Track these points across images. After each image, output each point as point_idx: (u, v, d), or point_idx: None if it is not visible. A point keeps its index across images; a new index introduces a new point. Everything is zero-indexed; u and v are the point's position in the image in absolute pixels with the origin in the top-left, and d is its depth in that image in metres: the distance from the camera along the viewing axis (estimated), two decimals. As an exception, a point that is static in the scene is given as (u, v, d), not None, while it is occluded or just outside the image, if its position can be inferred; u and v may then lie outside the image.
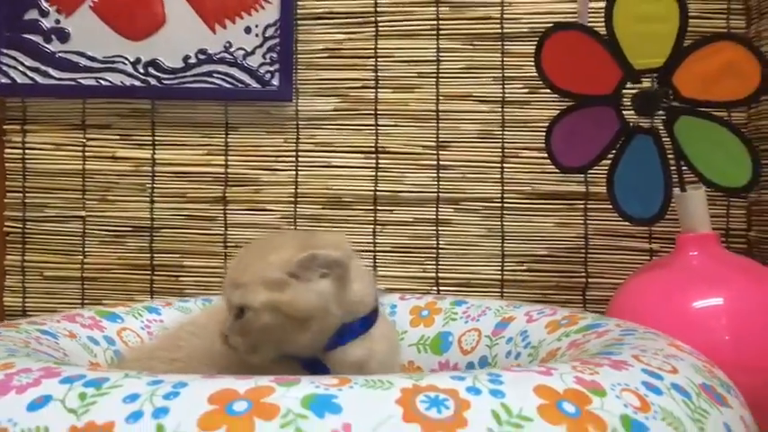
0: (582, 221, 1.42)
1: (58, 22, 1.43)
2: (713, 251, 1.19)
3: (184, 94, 1.43)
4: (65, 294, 1.47)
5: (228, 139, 1.46)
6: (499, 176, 1.43)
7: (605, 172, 1.36)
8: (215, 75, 1.42)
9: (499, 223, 1.43)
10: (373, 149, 1.45)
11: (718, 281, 1.14)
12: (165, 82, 1.42)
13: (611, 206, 1.39)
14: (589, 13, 1.29)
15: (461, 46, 1.44)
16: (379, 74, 1.45)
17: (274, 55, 1.41)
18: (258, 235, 1.45)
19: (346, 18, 1.45)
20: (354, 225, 1.45)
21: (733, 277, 1.14)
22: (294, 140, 1.46)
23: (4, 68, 1.43)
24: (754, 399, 0.78)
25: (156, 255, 1.46)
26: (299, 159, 1.45)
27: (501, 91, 1.43)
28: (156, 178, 1.47)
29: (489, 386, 0.58)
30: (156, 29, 1.42)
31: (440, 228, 1.44)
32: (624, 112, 1.19)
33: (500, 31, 1.43)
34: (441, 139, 1.44)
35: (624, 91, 1.19)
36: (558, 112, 1.26)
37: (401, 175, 1.45)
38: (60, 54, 1.43)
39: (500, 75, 1.43)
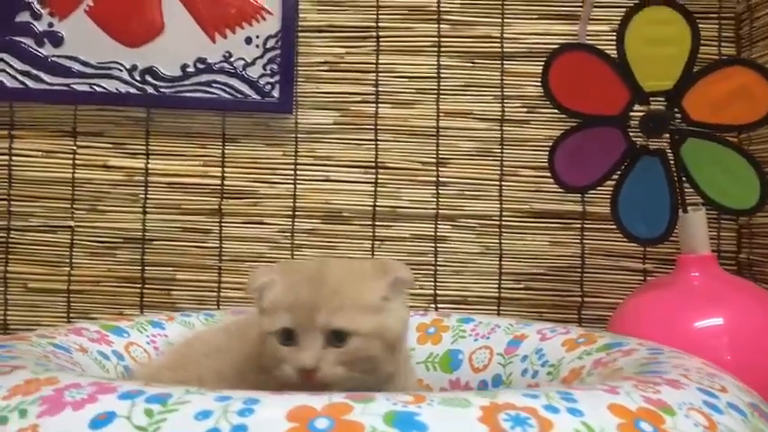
0: (578, 241, 1.44)
1: (51, 25, 1.38)
2: (713, 272, 1.21)
3: (181, 103, 1.40)
4: (49, 308, 1.41)
5: (225, 151, 1.43)
6: (497, 194, 1.44)
7: (602, 192, 1.39)
8: (214, 84, 1.39)
9: (497, 241, 1.43)
10: (373, 164, 1.44)
11: (720, 301, 1.16)
12: (162, 90, 1.39)
13: (607, 226, 1.43)
14: (596, 36, 1.31)
15: (462, 63, 1.44)
16: (379, 89, 1.44)
17: (275, 66, 1.39)
18: (254, 249, 1.42)
19: (347, 32, 1.44)
20: (353, 240, 1.43)
21: (734, 298, 1.17)
22: (293, 153, 1.43)
23: (-7, 72, 1.38)
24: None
25: (147, 267, 1.42)
26: (298, 173, 1.43)
27: (500, 109, 1.44)
28: (149, 189, 1.42)
29: (565, 404, 0.57)
30: (153, 36, 1.38)
31: (438, 244, 1.43)
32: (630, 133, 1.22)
33: (500, 49, 1.44)
34: (440, 156, 1.44)
35: (631, 113, 1.21)
36: (562, 131, 1.27)
37: (400, 191, 1.44)
38: (53, 58, 1.38)
39: (499, 93, 1.44)
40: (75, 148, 1.42)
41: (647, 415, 0.59)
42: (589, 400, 0.59)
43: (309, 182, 1.43)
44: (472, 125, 1.44)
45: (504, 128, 1.44)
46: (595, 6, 1.39)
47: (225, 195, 1.43)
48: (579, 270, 1.43)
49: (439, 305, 1.42)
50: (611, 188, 1.24)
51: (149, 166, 1.42)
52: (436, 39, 1.44)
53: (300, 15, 1.43)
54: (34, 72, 1.37)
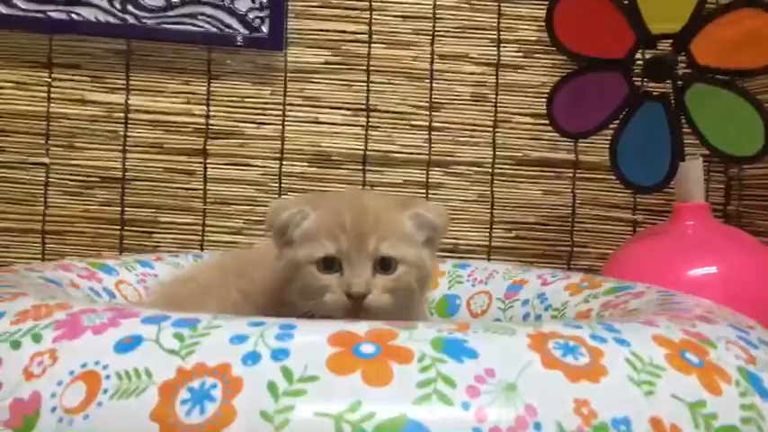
0: (570, 191, 1.42)
1: (25, -54, 1.29)
2: (708, 221, 1.21)
3: (164, 36, 1.32)
4: (22, 248, 1.34)
5: (211, 88, 1.37)
6: (491, 141, 1.41)
7: (596, 141, 1.37)
8: (199, 17, 1.32)
9: (489, 189, 1.41)
10: (364, 107, 1.39)
11: (714, 250, 1.16)
12: (144, 21, 1.31)
13: (598, 176, 1.41)
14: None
15: (458, 4, 1.40)
16: (373, 28, 1.39)
17: (264, 0, 1.33)
18: (240, 191, 1.37)
19: (341, -33, 1.39)
20: (342, 185, 1.39)
21: (728, 247, 1.17)
22: (281, 93, 1.38)
23: (-42, -5, 1.28)
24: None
25: (127, 209, 1.35)
26: (287, 113, 1.38)
27: (496, 53, 1.40)
28: (129, 126, 1.35)
29: (610, 334, 0.55)
30: (135, -38, 1.30)
31: (430, 191, 1.40)
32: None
33: (497, -9, 1.40)
34: (434, 100, 1.40)
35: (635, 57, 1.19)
36: (560, 76, 1.25)
37: (392, 135, 1.40)
38: (27, -18, 1.29)
39: (496, 36, 1.40)
40: (49, 80, 1.34)
41: (690, 346, 0.57)
42: (632, 332, 0.57)
43: (298, 123, 1.38)
44: (467, 69, 1.40)
45: (499, 72, 1.40)
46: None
47: (210, 135, 1.37)
48: (570, 220, 1.42)
49: (429, 253, 1.39)
50: (608, 136, 1.23)
51: (129, 101, 1.35)
52: (432, -22, 1.40)
53: (292, -53, 1.36)
54: (7, -4, 1.28)
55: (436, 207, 0.76)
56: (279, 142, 1.38)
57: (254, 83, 1.37)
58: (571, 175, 1.42)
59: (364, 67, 1.39)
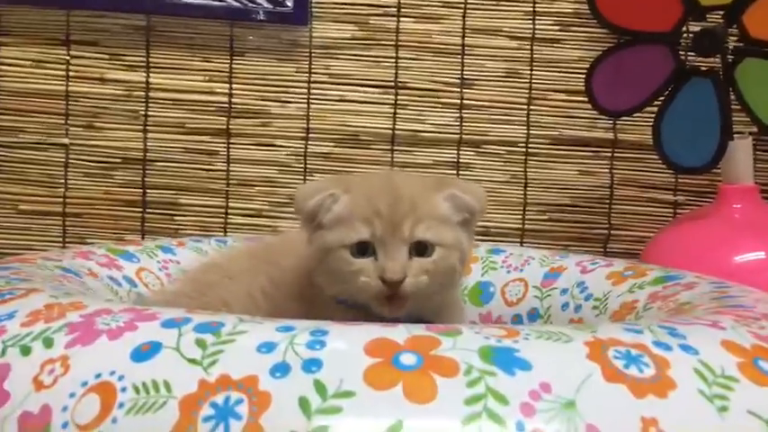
0: (608, 171, 1.36)
1: None
2: (756, 204, 1.15)
3: (185, 11, 1.27)
4: (43, 231, 1.31)
5: (233, 65, 1.31)
6: (525, 119, 1.35)
7: (636, 119, 1.30)
8: (221, -9, 1.27)
9: (522, 169, 1.35)
10: (392, 84, 1.33)
11: (763, 235, 1.11)
12: (164, -4, 1.26)
13: (638, 155, 1.35)
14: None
15: (491, -25, 1.33)
16: (401, 1, 1.32)
17: (289, -28, 1.27)
18: (264, 172, 1.32)
19: (369, -63, 1.32)
20: (370, 165, 1.33)
21: (778, 231, 1.11)
22: (307, 70, 1.32)
23: (-26, -30, 1.24)
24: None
25: (148, 190, 1.31)
26: (312, 91, 1.32)
27: (531, 27, 1.33)
28: (150, 105, 1.31)
29: (675, 340, 0.50)
30: (155, -65, 1.25)
31: (460, 172, 1.35)
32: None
33: (533, -39, 1.33)
34: (465, 77, 1.34)
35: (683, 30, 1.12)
36: (600, 51, 1.19)
37: (421, 114, 1.34)
38: (43, -44, 1.24)
39: (531, 9, 1.33)
40: (68, 58, 1.29)
41: (763, 353, 0.52)
42: (699, 337, 0.52)
43: (324, 101, 1.33)
44: (500, 43, 1.34)
45: (534, 47, 1.34)
46: None
47: (233, 114, 1.32)
48: (607, 201, 1.36)
49: (459, 236, 1.34)
50: (648, 115, 1.17)
51: (150, 80, 1.30)
52: (464, -52, 1.33)
53: None
54: (22, -29, 1.24)
55: (473, 187, 0.72)
56: (304, 121, 1.33)
57: (278, 59, 1.32)
58: (609, 154, 1.35)
59: (392, 43, 1.33)
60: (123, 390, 0.43)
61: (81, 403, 0.43)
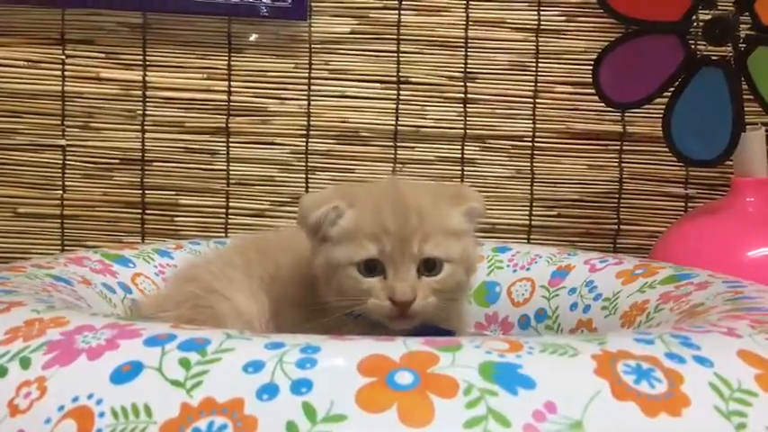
0: (617, 164, 1.32)
1: None
2: (770, 197, 1.11)
3: (182, 7, 1.24)
4: (41, 234, 1.28)
5: (232, 62, 1.29)
6: (530, 113, 1.31)
7: (645, 111, 1.27)
8: (218, -14, 1.24)
9: (529, 164, 1.32)
10: (394, 79, 1.30)
11: (778, 228, 1.07)
12: (160, -8, 1.23)
13: (647, 148, 1.32)
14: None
15: (495, -35, 1.30)
16: (403, -7, 1.29)
17: (287, -34, 1.24)
18: (264, 171, 1.30)
19: (368, -72, 1.29)
20: (372, 162, 1.31)
21: (793, 225, 1.08)
22: (306, 66, 1.29)
23: (-33, -31, 1.22)
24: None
25: (147, 191, 1.29)
26: (312, 88, 1.30)
27: (536, 18, 1.30)
28: (147, 104, 1.28)
29: (689, 351, 0.47)
30: (150, -70, 1.22)
31: (465, 167, 1.32)
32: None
33: (537, -50, 1.30)
34: (469, 70, 1.30)
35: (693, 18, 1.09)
36: (608, 41, 1.15)
37: (424, 109, 1.31)
38: (37, -46, 1.22)
39: (535, 0, 1.30)
40: (63, 57, 1.27)
41: (782, 363, 0.49)
42: (713, 347, 0.49)
43: (324, 98, 1.30)
44: (504, 35, 1.30)
45: (539, 39, 1.30)
46: None
47: (231, 112, 1.29)
48: (616, 196, 1.33)
49: (465, 233, 1.31)
50: (658, 106, 1.13)
51: (147, 78, 1.28)
52: (466, -63, 1.29)
53: None
54: (15, -30, 1.21)
55: (477, 194, 0.71)
56: (304, 118, 1.30)
57: (277, 56, 1.29)
58: (617, 147, 1.32)
59: (394, 37, 1.30)
60: (101, 415, 0.40)
61: (57, 429, 0.40)
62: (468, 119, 1.31)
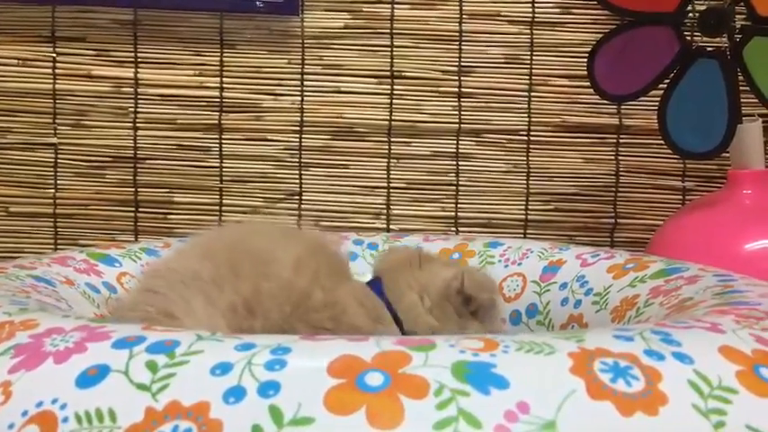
0: (613, 157, 1.31)
1: None
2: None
3: (173, 4, 1.24)
4: (34, 233, 1.28)
5: (224, 58, 1.28)
6: (526, 106, 1.30)
7: (642, 103, 1.26)
8: (209, -18, 1.23)
9: (524, 158, 1.31)
10: (388, 74, 1.29)
11: (775, 221, 1.06)
12: (150, -11, 1.23)
13: (644, 141, 1.30)
14: None
15: (488, -42, 1.29)
16: (395, -13, 1.28)
17: (277, -39, 1.23)
18: (258, 168, 1.29)
19: None
20: (366, 158, 1.30)
21: (791, 218, 1.06)
22: (299, 61, 1.28)
23: (-45, -33, 1.21)
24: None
25: (140, 189, 1.28)
26: (305, 83, 1.29)
27: (531, 10, 1.29)
28: (139, 101, 1.27)
29: (668, 348, 0.46)
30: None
31: (460, 162, 1.30)
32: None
33: (531, -59, 1.28)
34: (463, 64, 1.29)
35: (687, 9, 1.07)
36: (603, 33, 1.14)
37: (419, 103, 1.30)
38: (25, -49, 1.21)
39: (530, -9, 1.29)
40: (54, 55, 1.26)
41: (765, 359, 0.48)
42: (695, 343, 0.48)
43: (318, 93, 1.29)
44: (499, 28, 1.29)
45: (534, 31, 1.29)
46: None
47: (224, 109, 1.28)
48: (613, 189, 1.31)
49: (460, 228, 1.31)
50: (654, 98, 1.12)
51: (139, 75, 1.27)
52: (459, -71, 1.28)
53: None
54: (4, -33, 1.21)
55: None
56: (298, 114, 1.29)
57: (269, 51, 1.28)
58: (614, 140, 1.31)
59: (387, 31, 1.28)
60: (65, 420, 0.40)
61: (20, 435, 0.40)
62: (462, 113, 1.30)
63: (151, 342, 0.44)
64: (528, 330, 0.95)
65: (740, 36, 1.03)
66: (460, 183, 1.31)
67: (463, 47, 1.29)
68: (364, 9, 1.28)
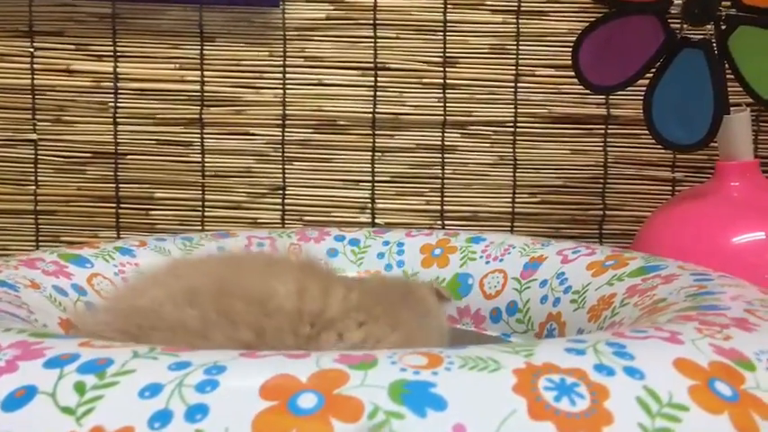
0: (601, 148, 1.29)
1: None
2: (756, 181, 1.08)
3: (151, -4, 1.22)
4: (16, 230, 1.27)
5: (204, 51, 1.26)
6: (512, 97, 1.28)
7: (629, 93, 1.23)
8: (187, -26, 1.21)
9: (511, 150, 1.29)
10: (371, 66, 1.27)
11: (763, 213, 1.04)
12: (128, -19, 1.21)
13: (632, 131, 1.28)
14: None
15: (472, -54, 1.26)
16: (378, -23, 1.26)
17: (256, -49, 1.21)
18: (241, 162, 1.28)
19: None
20: (350, 152, 1.28)
21: (779, 210, 1.04)
22: (281, 54, 1.26)
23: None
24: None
25: (121, 185, 1.27)
26: (287, 76, 1.27)
27: (516, -1, 1.27)
28: (119, 96, 1.26)
29: (620, 362, 0.45)
30: None
31: (445, 155, 1.29)
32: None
33: (515, -72, 1.26)
34: (448, 55, 1.27)
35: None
36: (589, 23, 1.11)
37: (403, 95, 1.28)
38: (0, -56, 1.19)
39: (515, -20, 1.26)
40: (32, 50, 1.25)
41: (722, 372, 0.46)
42: (649, 355, 0.46)
43: (300, 86, 1.27)
44: (484, 18, 1.27)
45: (520, 20, 1.27)
46: None
47: (205, 103, 1.27)
48: (601, 181, 1.29)
49: (446, 222, 1.29)
50: (642, 88, 1.09)
51: (118, 70, 1.25)
52: None
53: None
54: (-21, -39, 1.19)
55: None
56: (280, 108, 1.27)
57: (250, 44, 1.26)
58: (602, 131, 1.29)
59: (370, 22, 1.26)
60: (-14, 445, 0.39)
61: (-58, 462, 0.39)
62: (447, 105, 1.28)
63: (84, 361, 0.43)
64: (508, 329, 0.94)
65: (725, 26, 1.00)
66: (446, 176, 1.29)
67: (448, 37, 1.27)
68: None
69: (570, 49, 1.12)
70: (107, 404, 0.40)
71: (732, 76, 1.02)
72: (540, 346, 0.47)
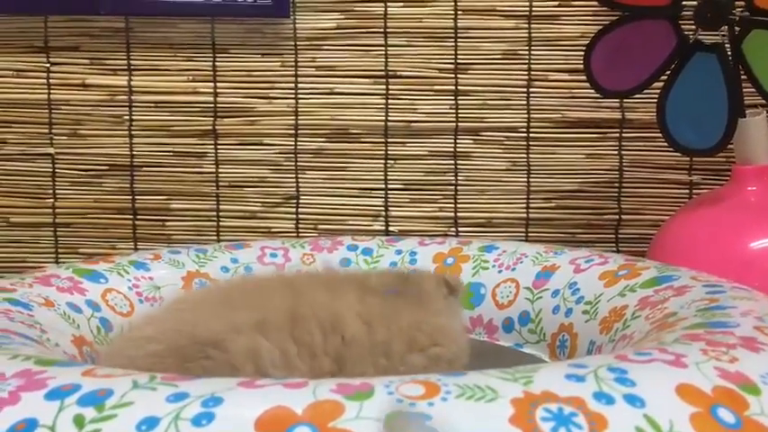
0: (616, 152, 1.28)
1: None
2: (774, 186, 1.06)
3: (163, 10, 1.23)
4: (35, 243, 1.29)
5: (217, 63, 1.27)
6: (525, 103, 1.27)
7: (645, 96, 1.22)
8: (198, -14, 1.22)
9: (524, 155, 1.28)
10: (383, 74, 1.27)
11: (781, 219, 1.03)
12: (140, -5, 1.22)
13: (648, 134, 1.27)
14: None
15: (483, -49, 1.25)
16: (388, -15, 1.26)
17: (265, -38, 1.21)
18: (254, 172, 1.28)
19: None
20: (363, 160, 1.28)
21: (798, 215, 1.03)
22: (293, 64, 1.27)
23: (-53, -20, 1.21)
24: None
25: (138, 197, 1.28)
26: (299, 86, 1.27)
27: (528, 4, 1.25)
28: (134, 109, 1.27)
29: (621, 389, 0.44)
30: (126, -68, 1.21)
31: (458, 161, 1.28)
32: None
33: (527, -67, 1.25)
34: (459, 61, 1.27)
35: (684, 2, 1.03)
36: (601, 27, 1.10)
37: (414, 103, 1.27)
38: (15, -38, 1.21)
39: (527, -15, 1.25)
40: (48, 65, 1.26)
41: (725, 397, 0.46)
42: (650, 382, 0.46)
43: (312, 95, 1.27)
44: (495, 24, 1.26)
45: (531, 26, 1.26)
46: None
47: (218, 114, 1.27)
48: (617, 185, 1.28)
49: (460, 228, 1.29)
50: (657, 91, 1.08)
51: (132, 83, 1.27)
52: (452, -77, 1.25)
53: None
54: (-5, -21, 1.21)
55: None
56: (292, 117, 1.28)
57: (261, 54, 1.26)
58: (617, 135, 1.27)
59: (381, 30, 1.26)
60: (-14, 482, 0.39)
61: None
62: (460, 111, 1.27)
63: (85, 392, 0.44)
64: (521, 339, 0.93)
65: (739, 29, 0.99)
66: (459, 182, 1.29)
67: (459, 44, 1.26)
68: (356, 8, 1.26)
69: (583, 53, 1.12)
70: (104, 438, 0.40)
71: (746, 79, 1.01)
72: (540, 372, 0.46)
